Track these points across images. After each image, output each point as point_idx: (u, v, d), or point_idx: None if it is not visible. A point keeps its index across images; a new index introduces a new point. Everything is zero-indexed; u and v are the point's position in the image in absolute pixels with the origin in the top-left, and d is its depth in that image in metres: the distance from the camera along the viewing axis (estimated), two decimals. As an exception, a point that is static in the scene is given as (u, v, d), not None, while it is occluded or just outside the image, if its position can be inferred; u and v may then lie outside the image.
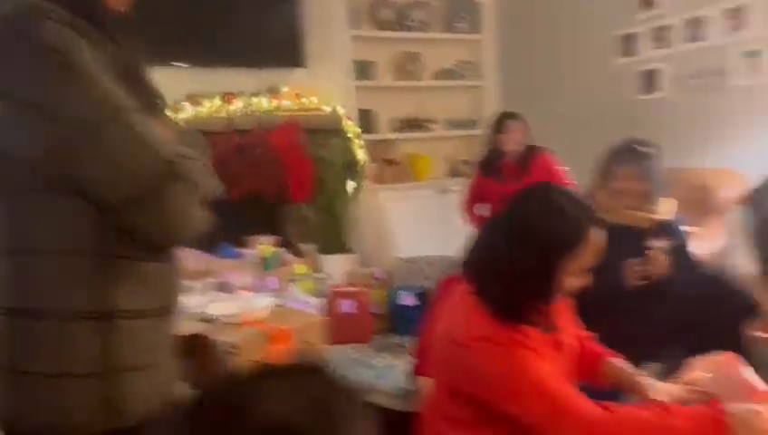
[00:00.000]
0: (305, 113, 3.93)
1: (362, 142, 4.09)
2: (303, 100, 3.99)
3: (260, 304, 2.06)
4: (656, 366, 1.95)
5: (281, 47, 4.04)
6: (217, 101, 3.76)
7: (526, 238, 1.22)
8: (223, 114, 3.74)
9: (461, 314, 1.30)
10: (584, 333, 1.49)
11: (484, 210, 3.34)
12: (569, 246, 1.21)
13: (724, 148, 3.41)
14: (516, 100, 4.56)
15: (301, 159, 3.71)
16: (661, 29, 3.73)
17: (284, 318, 2.02)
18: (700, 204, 3.21)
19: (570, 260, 1.21)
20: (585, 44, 4.26)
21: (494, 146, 3.31)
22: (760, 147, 2.62)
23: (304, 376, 0.59)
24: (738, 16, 3.31)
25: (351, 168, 3.92)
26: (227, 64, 3.91)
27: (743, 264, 2.30)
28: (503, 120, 3.27)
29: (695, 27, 3.54)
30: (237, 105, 3.80)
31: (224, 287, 2.64)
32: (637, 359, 2.01)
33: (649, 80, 3.84)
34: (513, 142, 3.22)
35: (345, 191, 3.88)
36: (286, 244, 4.09)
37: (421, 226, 4.42)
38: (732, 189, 2.98)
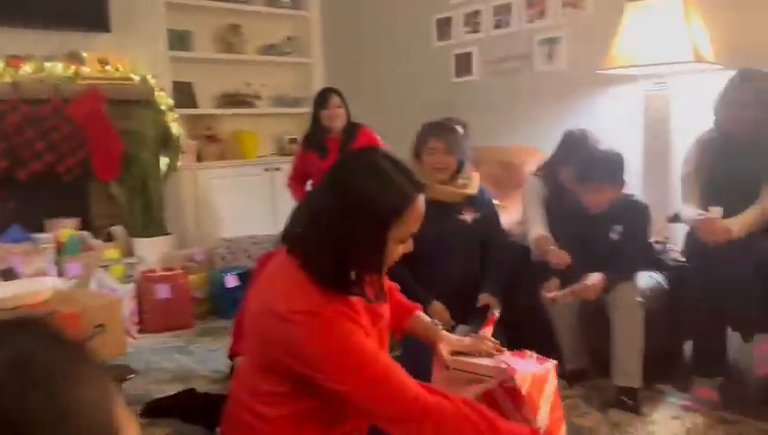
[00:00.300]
0: (110, 82, 3.57)
1: (176, 115, 3.82)
2: (108, 67, 3.62)
3: (41, 286, 1.82)
4: (464, 328, 2.05)
5: (81, 7, 3.63)
6: (0, 65, 3.27)
7: (355, 207, 1.17)
8: (7, 79, 3.25)
9: (281, 287, 1.22)
10: (390, 284, 1.51)
11: (311, 187, 3.31)
12: (397, 212, 1.18)
13: (528, 128, 3.70)
14: (341, 78, 4.57)
15: (106, 133, 3.35)
16: (472, 14, 3.94)
17: (71, 301, 1.80)
18: (506, 180, 3.45)
19: (397, 227, 1.19)
20: (406, 26, 4.38)
21: (316, 122, 3.26)
22: (559, 126, 2.87)
23: (7, 330, 0.49)
24: (538, 5, 3.59)
25: (166, 143, 3.64)
26: (15, 23, 3.42)
27: (533, 230, 2.50)
28: (325, 96, 3.24)
29: (501, 14, 3.79)
30: (26, 70, 3.33)
31: (7, 274, 2.31)
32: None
33: (463, 63, 4.05)
34: (335, 118, 3.20)
35: (159, 168, 3.59)
36: (92, 227, 3.73)
37: (248, 205, 4.28)
38: (535, 166, 3.24)
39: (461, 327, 2.06)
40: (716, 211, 2.14)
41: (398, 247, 1.24)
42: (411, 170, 1.23)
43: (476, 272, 2.37)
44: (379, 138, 3.25)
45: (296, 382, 1.19)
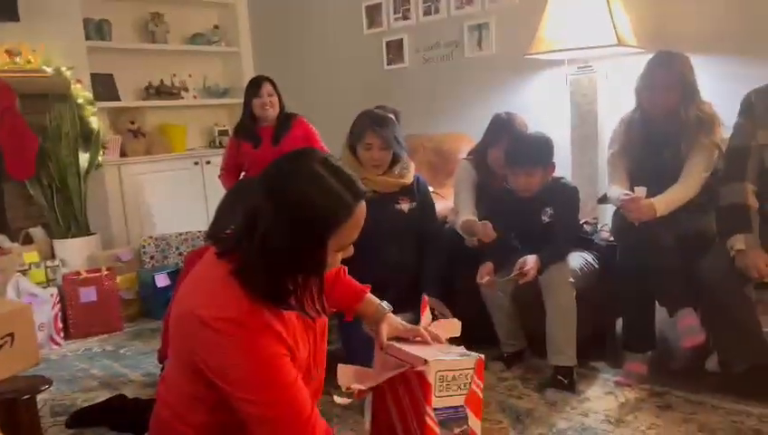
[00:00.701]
0: (21, 75, 3.36)
1: (96, 109, 3.63)
2: (18, 59, 3.39)
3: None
4: (406, 316, 2.03)
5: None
6: None
7: (292, 215, 1.10)
8: None
9: (208, 289, 1.15)
10: (339, 267, 1.47)
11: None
12: (337, 222, 1.13)
13: (461, 114, 3.72)
14: (271, 67, 4.45)
15: (18, 129, 3.14)
16: (402, 1, 3.90)
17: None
18: (441, 167, 3.46)
19: (337, 236, 1.14)
20: (336, 13, 4.31)
21: (248, 111, 3.16)
22: (491, 112, 2.88)
23: None
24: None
25: (86, 138, 3.46)
26: None
27: (462, 215, 2.51)
28: (257, 84, 3.14)
29: (430, 0, 3.77)
30: (-75, 62, 3.09)
31: None
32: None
33: (394, 51, 4.01)
34: (268, 107, 3.11)
35: (78, 165, 3.41)
36: (8, 229, 3.52)
37: (178, 200, 4.12)
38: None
39: (402, 315, 2.05)
40: (641, 190, 2.20)
41: (338, 255, 1.20)
42: (351, 177, 1.17)
43: (413, 261, 2.37)
44: (314, 128, 3.18)
45: (216, 390, 1.14)
